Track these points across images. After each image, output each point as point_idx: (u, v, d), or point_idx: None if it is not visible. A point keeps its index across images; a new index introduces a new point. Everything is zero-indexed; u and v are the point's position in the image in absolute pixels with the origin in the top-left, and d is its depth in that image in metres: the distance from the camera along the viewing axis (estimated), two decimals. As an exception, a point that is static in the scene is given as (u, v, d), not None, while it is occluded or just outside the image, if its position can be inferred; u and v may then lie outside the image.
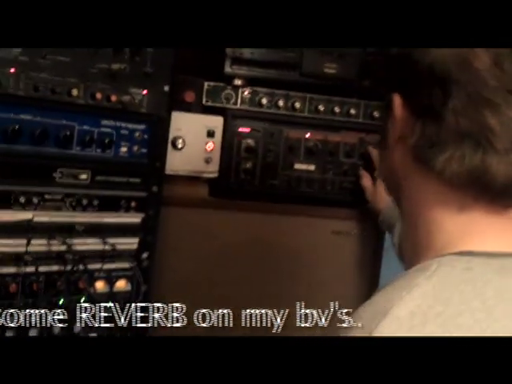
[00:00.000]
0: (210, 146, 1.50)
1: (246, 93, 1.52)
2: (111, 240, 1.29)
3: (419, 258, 0.73)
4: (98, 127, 1.26)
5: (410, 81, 0.73)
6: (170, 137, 1.44)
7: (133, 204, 1.32)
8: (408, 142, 0.73)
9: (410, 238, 0.78)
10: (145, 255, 1.35)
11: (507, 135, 0.66)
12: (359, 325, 0.64)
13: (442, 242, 0.72)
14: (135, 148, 1.31)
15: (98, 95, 1.23)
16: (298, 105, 1.53)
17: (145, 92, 1.29)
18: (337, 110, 1.55)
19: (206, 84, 1.50)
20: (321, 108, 1.54)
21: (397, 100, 0.75)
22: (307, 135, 1.56)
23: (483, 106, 0.66)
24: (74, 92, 1.20)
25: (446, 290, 0.64)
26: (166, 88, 1.32)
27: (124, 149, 1.29)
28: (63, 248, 1.23)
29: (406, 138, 0.74)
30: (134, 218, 1.33)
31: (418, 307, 0.63)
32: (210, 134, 1.50)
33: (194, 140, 1.48)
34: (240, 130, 1.53)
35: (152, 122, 1.32)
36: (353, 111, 1.56)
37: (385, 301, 0.65)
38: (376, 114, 1.57)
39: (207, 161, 1.50)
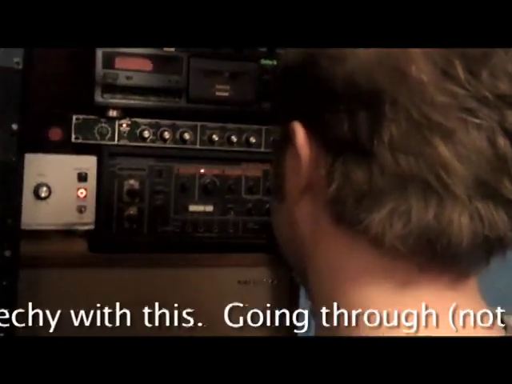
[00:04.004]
0: (82, 192, 1.24)
1: (123, 125, 1.27)
2: (-48, 323, 1.01)
3: None
4: None
5: (318, 103, 0.49)
6: (31, 185, 1.19)
7: (-21, 275, 1.05)
8: (320, 192, 0.50)
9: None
10: (1, 335, 1.07)
11: (469, 174, 0.44)
12: None
13: None
14: (-24, 204, 1.04)
15: None
16: (187, 136, 1.29)
17: (-16, 133, 1.02)
18: (234, 139, 1.32)
19: (74, 118, 1.24)
20: (215, 138, 1.31)
21: (299, 132, 0.51)
22: (202, 171, 1.33)
23: (432, 134, 0.44)
24: None
25: None
26: (15, 127, 1.06)
27: (-39, 206, 1.02)
28: None
29: (316, 186, 0.51)
30: (-17, 292, 1.06)
31: None
32: (82, 178, 1.24)
33: (62, 186, 1.22)
34: (120, 169, 1.28)
35: (-3, 169, 1.05)
36: (253, 140, 1.33)
37: None
38: (280, 141, 1.35)
39: (80, 210, 1.24)
